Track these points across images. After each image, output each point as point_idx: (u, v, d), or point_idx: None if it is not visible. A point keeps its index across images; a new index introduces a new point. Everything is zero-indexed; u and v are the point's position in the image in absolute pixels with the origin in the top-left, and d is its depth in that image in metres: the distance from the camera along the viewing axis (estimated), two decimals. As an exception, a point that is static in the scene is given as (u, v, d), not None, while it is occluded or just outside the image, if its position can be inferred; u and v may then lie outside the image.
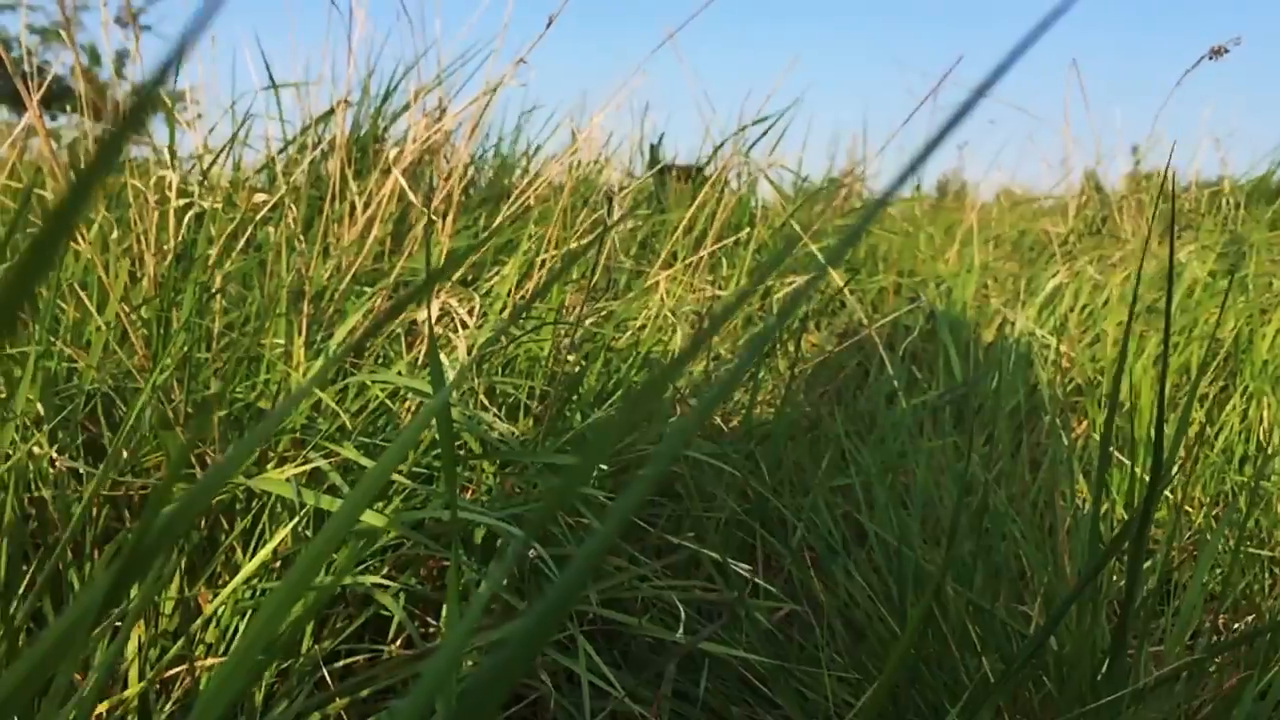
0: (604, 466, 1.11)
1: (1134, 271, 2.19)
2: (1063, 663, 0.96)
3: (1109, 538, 1.18)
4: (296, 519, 0.93)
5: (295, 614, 0.34)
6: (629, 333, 1.52)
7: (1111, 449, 1.46)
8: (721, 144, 2.36)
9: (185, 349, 1.04)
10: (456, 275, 1.49)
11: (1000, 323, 2.20)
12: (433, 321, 0.62)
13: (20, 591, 0.85)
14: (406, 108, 2.00)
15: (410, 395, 1.17)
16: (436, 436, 1.12)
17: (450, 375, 1.09)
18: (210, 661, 0.90)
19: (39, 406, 1.00)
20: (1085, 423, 1.75)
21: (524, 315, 1.26)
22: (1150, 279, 2.18)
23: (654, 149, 2.00)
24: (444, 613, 1.08)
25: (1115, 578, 1.11)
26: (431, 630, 1.09)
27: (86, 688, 0.68)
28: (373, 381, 1.08)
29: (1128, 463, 1.45)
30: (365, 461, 0.99)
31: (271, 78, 1.94)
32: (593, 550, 0.19)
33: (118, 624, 0.87)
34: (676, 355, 0.19)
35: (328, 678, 0.95)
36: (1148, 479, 1.31)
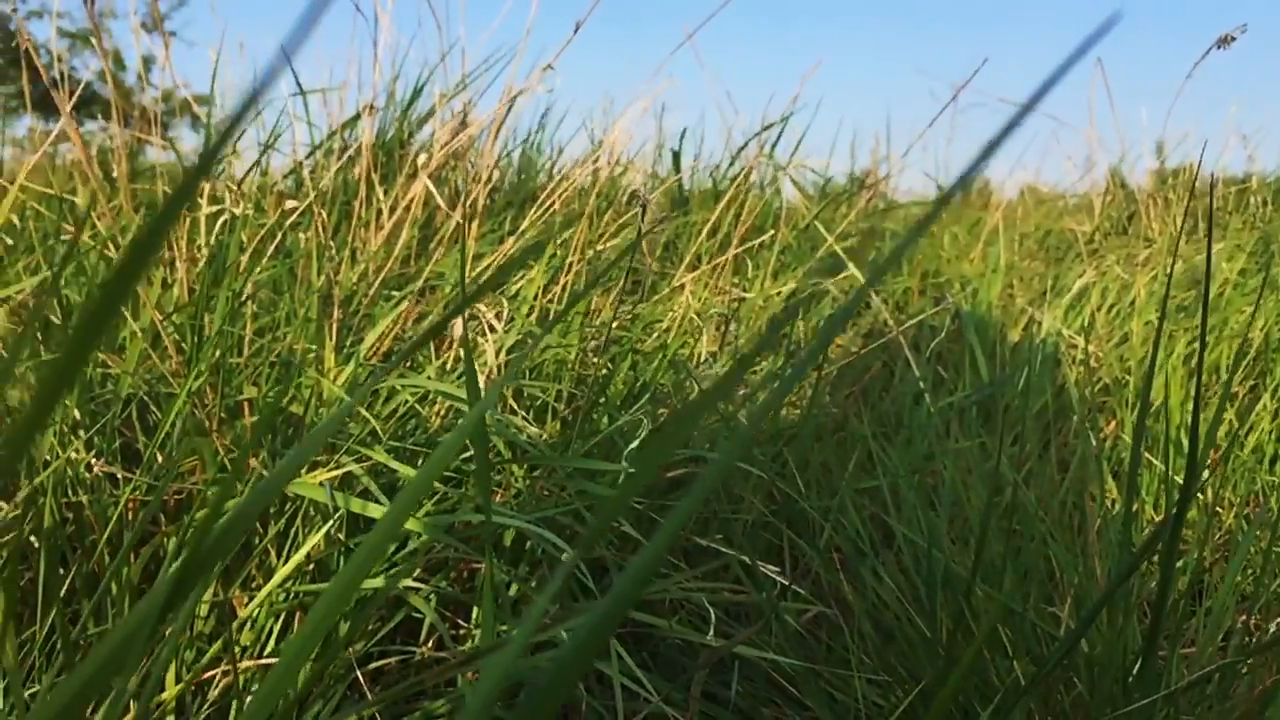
0: (630, 469, 1.11)
1: (1161, 270, 2.18)
2: (1094, 664, 0.96)
3: (1139, 539, 1.18)
4: (330, 523, 0.94)
5: (336, 618, 0.35)
6: (655, 335, 1.53)
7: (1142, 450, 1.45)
8: (744, 145, 2.36)
9: (219, 355, 1.05)
10: (483, 280, 1.49)
11: (1027, 323, 2.19)
12: (467, 335, 0.63)
13: (61, 594, 0.87)
14: (432, 112, 2.01)
15: (439, 399, 1.18)
16: (467, 442, 1.13)
17: (480, 379, 1.10)
18: (248, 664, 0.91)
19: (76, 413, 1.01)
20: (1114, 423, 1.74)
21: (560, 320, 1.26)
22: (1178, 278, 2.17)
23: (676, 154, 2.01)
24: (474, 615, 1.09)
25: (1145, 578, 1.11)
26: (461, 632, 1.10)
27: (128, 695, 0.70)
28: (403, 386, 1.09)
29: (1158, 463, 1.45)
30: (396, 465, 1.00)
31: (299, 83, 1.95)
32: (655, 550, 0.19)
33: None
34: (723, 376, 0.20)
35: (361, 679, 0.96)
36: (1179, 479, 1.30)
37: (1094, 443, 1.47)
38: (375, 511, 0.90)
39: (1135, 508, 1.35)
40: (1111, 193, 3.06)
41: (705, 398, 0.20)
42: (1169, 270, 1.25)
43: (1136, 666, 0.89)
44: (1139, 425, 0.78)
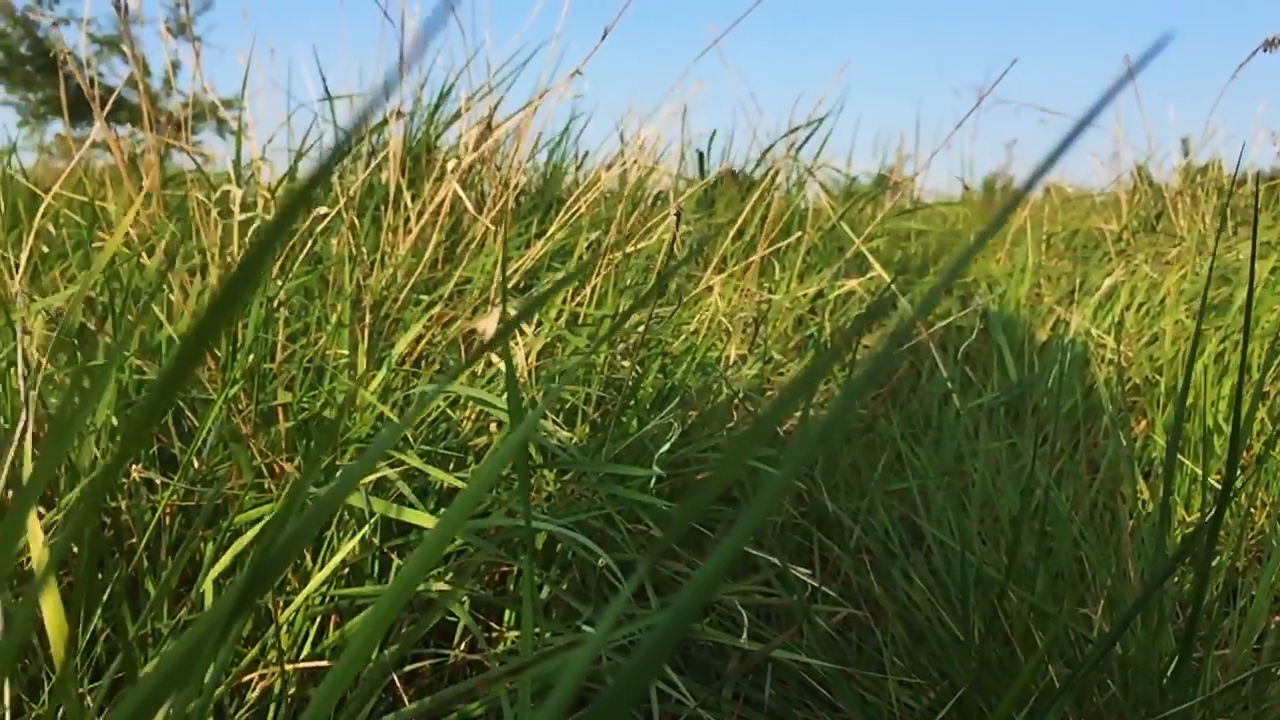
0: (662, 474, 1.12)
1: (1191, 269, 2.17)
2: (1128, 666, 0.96)
3: (1174, 540, 1.18)
4: (365, 528, 0.94)
5: (390, 625, 0.35)
6: (683, 337, 1.53)
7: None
8: (770, 146, 2.36)
9: (253, 361, 1.06)
10: (512, 284, 1.50)
11: (1055, 322, 2.18)
12: (508, 349, 0.63)
13: (104, 598, 0.88)
14: (458, 116, 2.02)
15: (469, 403, 1.18)
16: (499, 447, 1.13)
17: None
18: (284, 667, 0.91)
19: (114, 419, 1.03)
20: (1144, 423, 1.73)
21: (606, 339, 1.27)
22: (1207, 276, 2.15)
23: (702, 156, 2.01)
24: (506, 617, 1.09)
25: (1180, 579, 1.10)
26: (493, 635, 1.11)
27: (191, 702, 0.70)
28: (435, 391, 1.10)
29: (1189, 463, 1.44)
30: (429, 470, 1.01)
31: (327, 89, 1.97)
32: (724, 553, 0.20)
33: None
34: (779, 399, 0.20)
35: (396, 682, 0.97)
36: (1211, 479, 1.30)
37: (1125, 443, 1.46)
38: (410, 516, 0.91)
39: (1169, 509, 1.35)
40: (1139, 191, 3.04)
41: (761, 423, 0.21)
42: (1198, 268, 1.24)
43: (1171, 669, 0.89)
44: (1175, 426, 0.77)
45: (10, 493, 0.91)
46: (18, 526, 0.26)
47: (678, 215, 1.00)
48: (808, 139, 2.29)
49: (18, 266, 1.17)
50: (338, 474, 1.03)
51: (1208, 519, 0.72)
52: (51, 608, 0.55)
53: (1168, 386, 1.76)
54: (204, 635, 0.29)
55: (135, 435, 0.24)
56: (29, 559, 0.92)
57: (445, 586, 0.96)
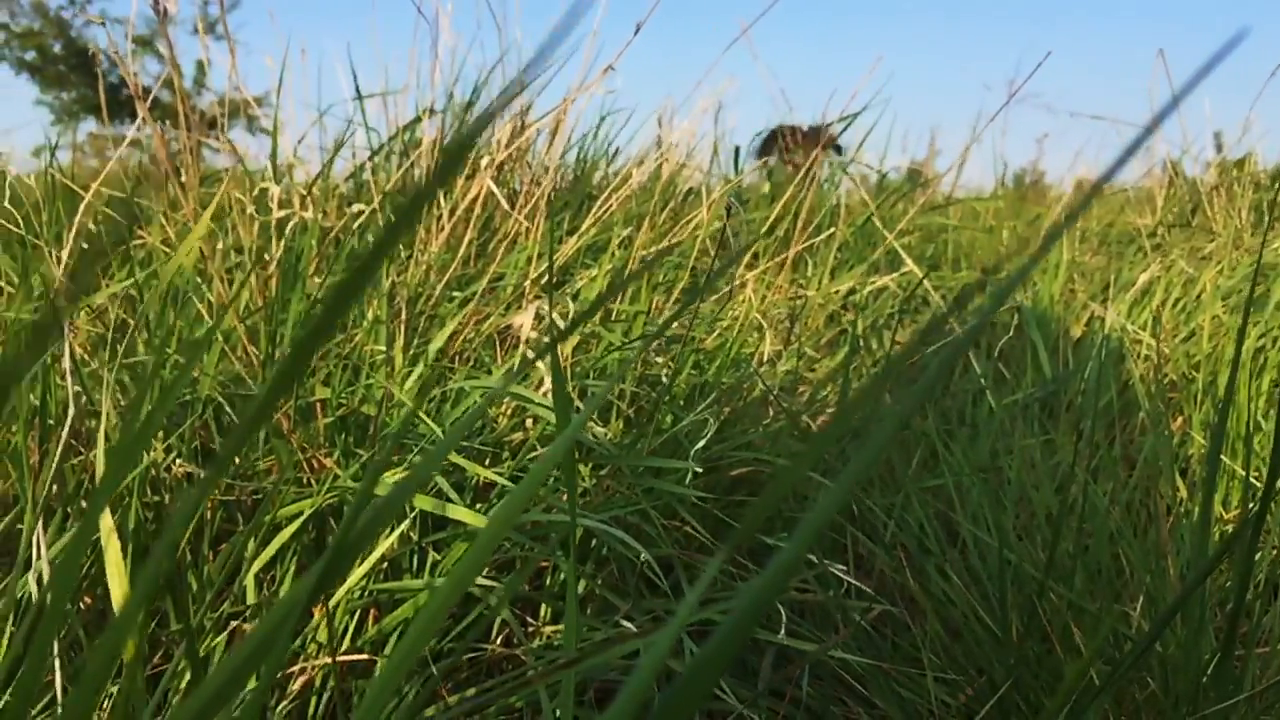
0: (697, 469, 1.12)
1: (1227, 264, 2.15)
2: (1167, 663, 0.95)
3: (1213, 537, 1.17)
4: (405, 523, 0.95)
5: (441, 621, 0.36)
6: (716, 333, 1.53)
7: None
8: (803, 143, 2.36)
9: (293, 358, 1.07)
10: (545, 280, 1.51)
11: (1089, 318, 2.16)
12: (556, 351, 0.64)
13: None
14: (490, 114, 2.02)
15: (505, 400, 1.19)
16: (535, 442, 1.14)
17: (545, 380, 1.11)
18: (323, 661, 0.92)
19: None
20: (1180, 419, 1.72)
21: (657, 337, 1.27)
22: (1245, 271, 2.13)
23: (737, 150, 2.01)
24: (542, 612, 1.10)
25: (1220, 577, 1.09)
26: (529, 630, 1.12)
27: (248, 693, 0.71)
28: (472, 388, 1.11)
29: (1227, 460, 1.43)
30: (466, 465, 1.02)
31: (358, 88, 1.98)
32: (797, 547, 0.20)
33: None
34: (847, 402, 0.20)
35: (435, 674, 0.98)
36: (1251, 476, 1.29)
37: (1162, 439, 1.45)
38: (454, 512, 0.91)
39: (1202, 505, 1.34)
40: (1175, 185, 3.01)
41: (857, 398, 0.21)
42: (1235, 264, 1.23)
43: (1212, 666, 0.89)
44: (1220, 422, 0.77)
45: (55, 487, 0.93)
46: (92, 526, 0.26)
47: (729, 209, 1.00)
48: (841, 133, 2.29)
49: (60, 263, 1.19)
50: (407, 465, 1.04)
51: (1250, 516, 0.72)
52: (119, 590, 0.56)
53: (1204, 383, 1.75)
54: (281, 620, 0.30)
55: (268, 405, 0.25)
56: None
57: (486, 582, 0.96)
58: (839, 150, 3.20)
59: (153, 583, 0.29)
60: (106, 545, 0.59)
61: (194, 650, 0.53)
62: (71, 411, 0.82)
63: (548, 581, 1.15)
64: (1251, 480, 1.34)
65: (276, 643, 0.29)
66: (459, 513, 0.90)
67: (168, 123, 1.49)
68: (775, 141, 3.41)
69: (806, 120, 3.13)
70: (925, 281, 1.91)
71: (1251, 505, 1.10)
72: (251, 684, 0.65)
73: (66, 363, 0.88)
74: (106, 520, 0.56)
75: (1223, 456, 1.46)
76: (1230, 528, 1.36)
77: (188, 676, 0.85)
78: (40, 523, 0.80)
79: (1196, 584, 0.78)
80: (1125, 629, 1.02)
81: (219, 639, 0.92)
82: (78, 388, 0.89)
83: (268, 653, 0.29)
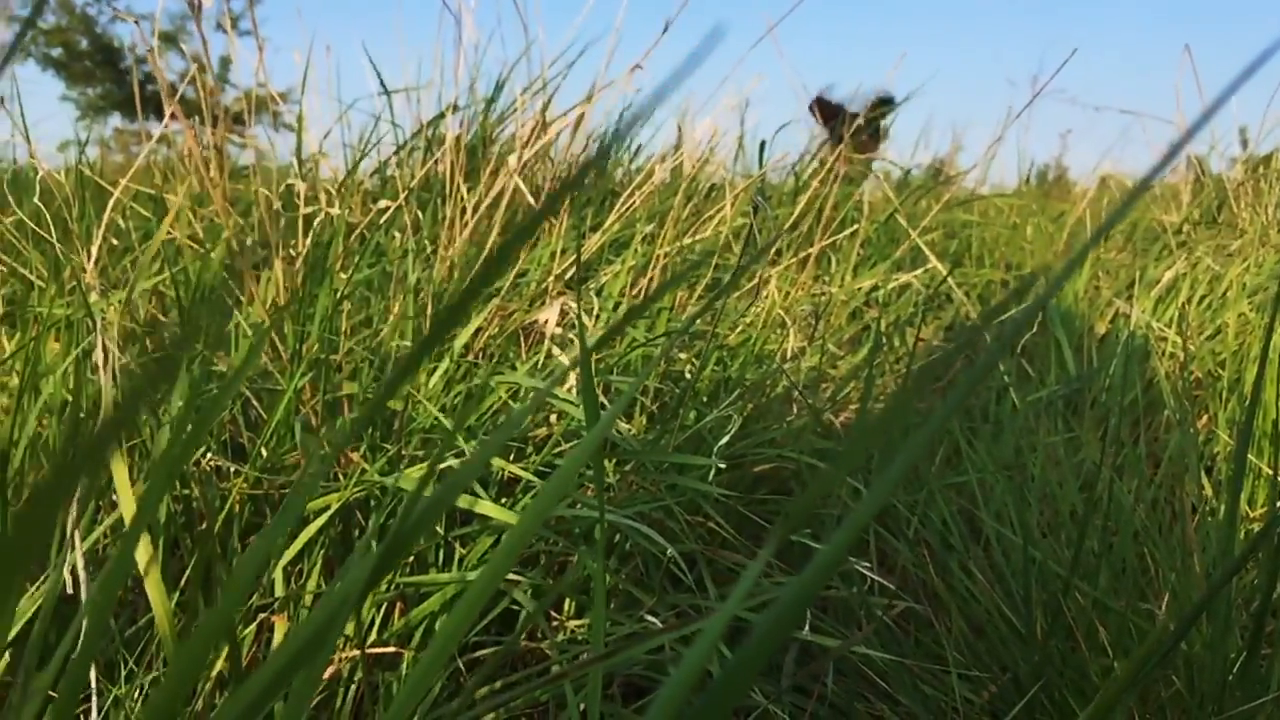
0: (721, 465, 1.13)
1: (1253, 261, 2.13)
2: (1192, 662, 0.95)
3: (1239, 535, 1.16)
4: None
5: (475, 616, 0.36)
6: (739, 329, 1.53)
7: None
8: (826, 140, 2.36)
9: (321, 353, 1.08)
10: (569, 276, 1.51)
11: (1114, 315, 2.15)
12: (585, 347, 0.64)
13: (180, 583, 0.90)
14: (513, 110, 2.03)
15: (530, 394, 1.20)
16: (559, 436, 1.15)
17: (570, 376, 1.12)
18: (350, 654, 0.93)
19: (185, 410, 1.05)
20: (1205, 417, 1.71)
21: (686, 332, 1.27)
22: (1272, 268, 2.12)
23: (762, 145, 2.01)
24: (566, 606, 1.11)
25: (1246, 575, 1.09)
26: (554, 623, 1.12)
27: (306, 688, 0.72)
28: (498, 383, 1.11)
29: (1253, 459, 1.42)
30: (492, 459, 1.02)
31: (383, 83, 1.99)
32: (834, 550, 0.20)
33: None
34: (892, 403, 0.20)
35: (461, 669, 0.98)
36: (1278, 475, 1.28)
37: (1187, 437, 1.44)
38: (483, 508, 0.92)
39: (1229, 503, 1.33)
40: (1202, 181, 2.99)
41: (871, 428, 0.21)
42: (1261, 260, 1.22)
43: (1238, 666, 0.88)
44: (1246, 420, 0.77)
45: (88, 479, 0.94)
46: (134, 543, 0.27)
47: (755, 207, 1.00)
48: (869, 129, 2.28)
49: (90, 258, 1.20)
50: (466, 459, 1.05)
51: (1277, 515, 0.71)
52: (154, 586, 0.57)
53: (1230, 380, 1.74)
54: (339, 608, 0.30)
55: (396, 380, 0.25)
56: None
57: (512, 576, 0.97)
58: (876, 133, 3.20)
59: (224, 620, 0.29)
60: (148, 578, 0.60)
61: (236, 643, 0.54)
62: (105, 404, 0.83)
63: (571, 575, 1.15)
64: (1278, 479, 1.33)
65: (332, 633, 0.30)
66: (486, 508, 0.90)
67: (196, 118, 1.50)
68: (823, 113, 3.40)
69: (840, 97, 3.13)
70: (948, 279, 1.90)
71: (1278, 504, 1.09)
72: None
73: (99, 356, 0.89)
74: (145, 549, 0.57)
75: (1249, 454, 1.45)
76: (1256, 526, 1.35)
77: (219, 666, 0.86)
78: (73, 514, 0.81)
79: (1223, 583, 0.78)
80: (1150, 627, 1.01)
81: (248, 630, 0.93)
82: (111, 382, 0.90)
83: (323, 643, 0.30)
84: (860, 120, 2.14)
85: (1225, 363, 1.85)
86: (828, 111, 3.33)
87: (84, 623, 0.58)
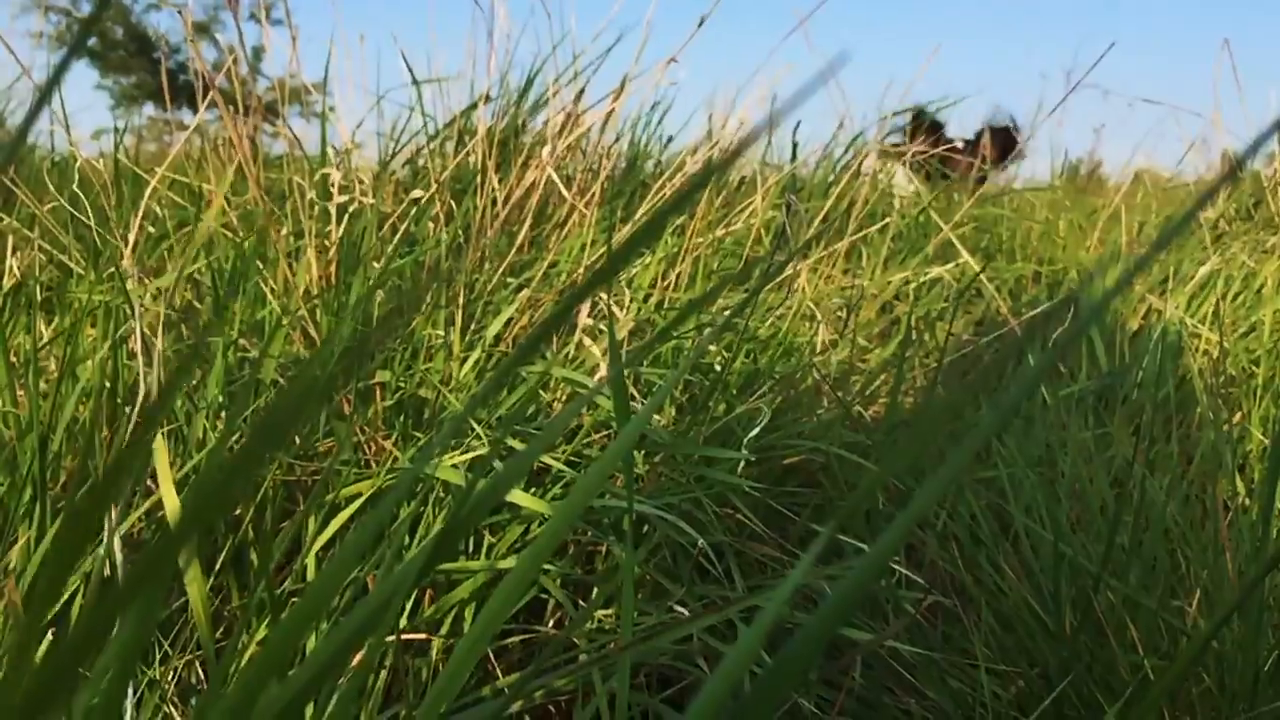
0: (750, 457, 1.13)
1: (1290, 257, 2.11)
2: (1223, 660, 0.95)
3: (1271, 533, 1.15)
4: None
5: (514, 606, 0.37)
6: (769, 323, 1.53)
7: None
8: (859, 135, 2.35)
9: (353, 341, 1.09)
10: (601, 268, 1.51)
11: (1147, 311, 2.14)
12: (614, 340, 0.65)
13: (215, 569, 0.91)
14: (545, 101, 2.04)
15: (560, 385, 1.20)
16: (583, 424, 1.15)
17: (603, 367, 1.12)
18: (388, 639, 0.94)
19: (220, 397, 1.06)
20: (1239, 415, 1.70)
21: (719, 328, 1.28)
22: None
23: (795, 144, 2.00)
24: (593, 594, 1.11)
25: (1278, 574, 1.08)
26: (582, 612, 1.13)
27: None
28: (529, 373, 1.12)
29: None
30: (522, 449, 1.03)
31: (413, 74, 2.00)
32: (882, 551, 0.21)
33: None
34: (939, 406, 0.21)
35: (490, 657, 0.99)
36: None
37: (1220, 434, 1.43)
38: (516, 498, 0.92)
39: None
40: (1242, 177, 2.96)
41: (967, 394, 0.22)
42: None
43: (1269, 664, 0.88)
44: (1281, 419, 0.76)
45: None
46: (179, 543, 0.27)
47: (788, 207, 1.00)
48: (896, 124, 2.27)
49: (126, 245, 1.22)
50: (517, 454, 1.05)
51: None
52: (195, 584, 0.58)
53: (1265, 378, 1.72)
54: (394, 590, 0.31)
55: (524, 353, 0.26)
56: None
57: (543, 565, 0.98)
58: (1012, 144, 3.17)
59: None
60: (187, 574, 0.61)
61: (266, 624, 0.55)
62: (142, 390, 0.84)
63: (600, 566, 1.16)
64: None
65: (385, 618, 0.30)
66: (520, 498, 0.91)
67: (231, 108, 1.51)
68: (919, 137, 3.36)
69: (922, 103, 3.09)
70: (980, 274, 1.89)
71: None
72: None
73: (136, 343, 0.90)
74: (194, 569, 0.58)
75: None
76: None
77: (250, 651, 0.87)
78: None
79: (1257, 582, 0.78)
80: (1181, 624, 1.01)
81: (280, 616, 0.94)
82: (148, 368, 0.91)
83: (377, 625, 0.30)
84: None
85: (1260, 360, 1.83)
86: (1003, 142, 3.28)
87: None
